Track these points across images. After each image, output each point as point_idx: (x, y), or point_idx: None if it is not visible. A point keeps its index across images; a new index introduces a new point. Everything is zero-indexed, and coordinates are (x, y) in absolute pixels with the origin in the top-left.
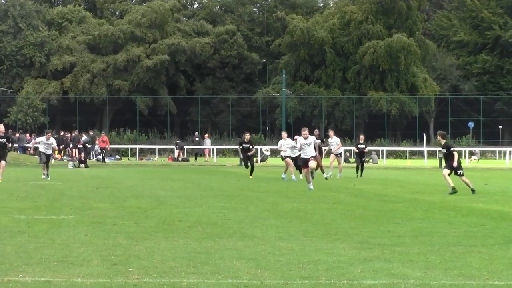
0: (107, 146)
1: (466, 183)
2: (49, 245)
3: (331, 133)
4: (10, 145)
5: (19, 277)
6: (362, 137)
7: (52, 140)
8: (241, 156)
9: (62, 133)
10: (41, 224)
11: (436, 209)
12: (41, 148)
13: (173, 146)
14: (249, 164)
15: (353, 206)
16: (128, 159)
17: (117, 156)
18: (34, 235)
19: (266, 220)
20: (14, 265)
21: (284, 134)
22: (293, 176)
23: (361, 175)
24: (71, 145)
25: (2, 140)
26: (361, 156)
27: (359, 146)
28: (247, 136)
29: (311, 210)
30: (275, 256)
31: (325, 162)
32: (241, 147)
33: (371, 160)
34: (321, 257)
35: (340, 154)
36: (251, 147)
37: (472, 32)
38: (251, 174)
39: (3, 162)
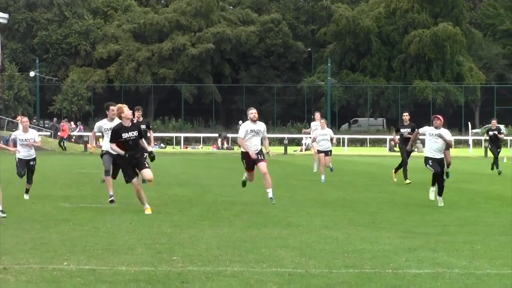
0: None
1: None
2: (93, 233)
3: (317, 115)
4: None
5: (64, 265)
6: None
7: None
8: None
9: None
10: (86, 212)
11: (481, 198)
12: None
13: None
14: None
15: (397, 195)
16: (173, 147)
17: (162, 145)
18: (79, 223)
19: (311, 208)
20: (59, 252)
21: (317, 115)
22: (322, 177)
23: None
24: None
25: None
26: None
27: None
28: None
29: (356, 199)
30: (320, 245)
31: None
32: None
33: (416, 149)
34: (365, 246)
35: (331, 151)
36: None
37: None
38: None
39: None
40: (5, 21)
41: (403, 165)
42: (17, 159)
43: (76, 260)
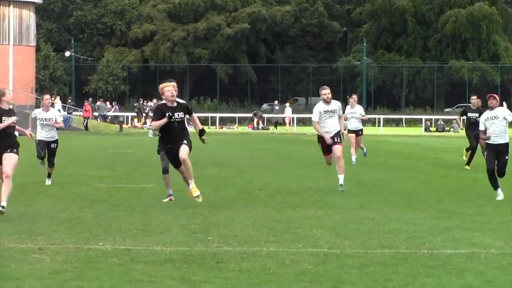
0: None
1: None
2: (129, 213)
3: (352, 100)
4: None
5: (99, 245)
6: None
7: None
8: None
9: (142, 101)
10: (121, 192)
11: None
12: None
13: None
14: None
15: (433, 175)
16: (208, 127)
17: None
18: (114, 203)
19: (346, 189)
20: (94, 233)
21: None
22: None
23: None
24: (150, 114)
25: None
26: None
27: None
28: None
29: (391, 179)
30: (355, 225)
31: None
32: None
33: (452, 129)
34: (401, 226)
35: (361, 130)
36: None
37: None
38: None
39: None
40: (40, 1)
41: (471, 150)
42: (37, 140)
43: (111, 240)
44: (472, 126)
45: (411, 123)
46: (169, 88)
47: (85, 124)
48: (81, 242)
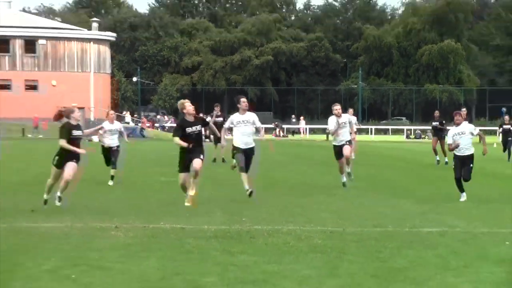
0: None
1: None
2: (182, 200)
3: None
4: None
5: (161, 224)
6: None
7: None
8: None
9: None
10: (176, 184)
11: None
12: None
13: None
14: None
15: (412, 171)
16: None
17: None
18: (172, 192)
19: (347, 181)
20: (157, 215)
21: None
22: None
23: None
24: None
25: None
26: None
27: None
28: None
29: (380, 174)
30: (353, 209)
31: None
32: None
33: (427, 137)
34: (388, 211)
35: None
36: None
37: (506, 38)
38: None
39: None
40: (113, 39)
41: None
42: (102, 147)
43: (169, 220)
44: (435, 132)
45: (395, 132)
46: (189, 104)
47: (140, 132)
48: (147, 221)
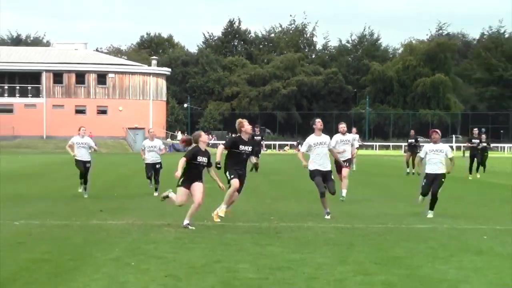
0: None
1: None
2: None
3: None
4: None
5: (204, 221)
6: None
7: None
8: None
9: (230, 134)
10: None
11: (464, 183)
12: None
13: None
14: None
15: (408, 179)
16: (271, 150)
17: (264, 148)
18: (213, 197)
19: (354, 186)
20: (201, 214)
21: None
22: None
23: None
24: None
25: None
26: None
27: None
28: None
29: (382, 181)
30: (360, 209)
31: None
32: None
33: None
34: (388, 210)
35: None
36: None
37: (485, 72)
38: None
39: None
40: (168, 73)
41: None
42: (144, 164)
43: (210, 218)
44: (410, 147)
45: (395, 147)
46: (248, 123)
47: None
48: (193, 220)
